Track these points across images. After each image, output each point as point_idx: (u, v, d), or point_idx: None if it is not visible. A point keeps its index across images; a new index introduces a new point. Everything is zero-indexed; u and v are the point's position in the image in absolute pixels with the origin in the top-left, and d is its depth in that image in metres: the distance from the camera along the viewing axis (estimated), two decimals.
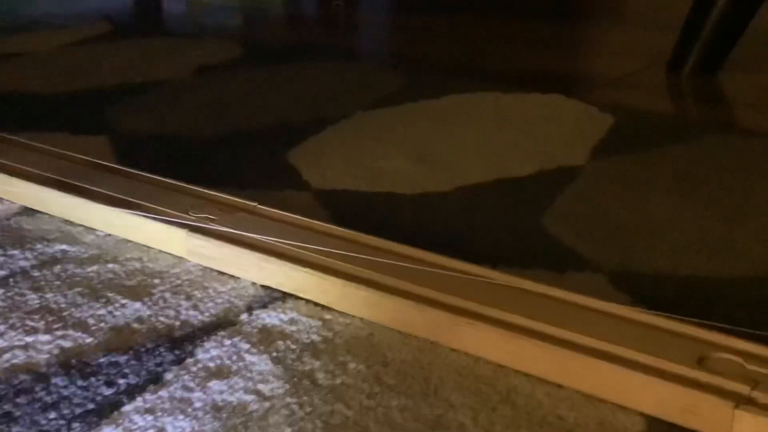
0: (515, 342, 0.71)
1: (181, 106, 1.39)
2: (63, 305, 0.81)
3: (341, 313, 0.79)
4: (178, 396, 0.68)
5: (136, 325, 0.78)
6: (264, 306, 0.81)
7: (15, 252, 0.91)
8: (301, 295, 0.82)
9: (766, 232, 0.94)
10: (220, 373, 0.71)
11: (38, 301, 0.82)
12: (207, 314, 0.80)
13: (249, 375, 0.70)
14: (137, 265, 0.89)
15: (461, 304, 0.75)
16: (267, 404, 0.67)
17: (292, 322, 0.78)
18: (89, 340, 0.76)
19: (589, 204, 1.01)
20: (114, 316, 0.79)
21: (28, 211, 1.01)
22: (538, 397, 0.68)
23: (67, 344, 0.75)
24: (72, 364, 0.72)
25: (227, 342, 0.75)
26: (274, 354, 0.73)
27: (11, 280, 0.86)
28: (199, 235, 0.88)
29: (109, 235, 0.95)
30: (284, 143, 1.20)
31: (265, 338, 0.76)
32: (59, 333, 0.77)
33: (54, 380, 0.70)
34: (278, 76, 1.57)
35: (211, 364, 0.72)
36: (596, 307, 0.74)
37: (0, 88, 1.47)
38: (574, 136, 1.22)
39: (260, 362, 0.72)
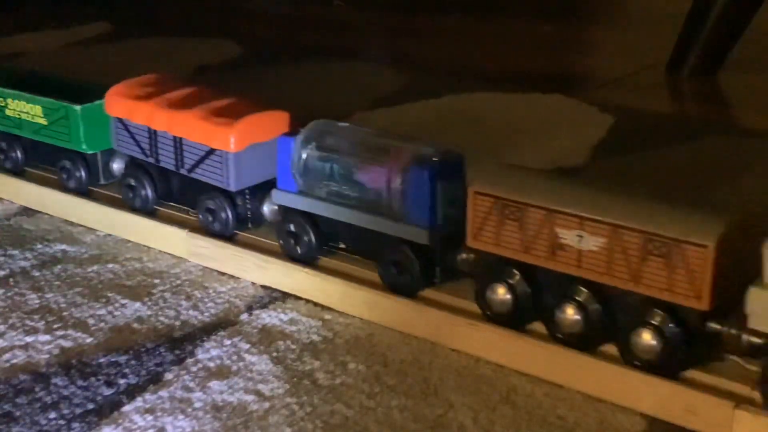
0: (515, 342, 0.71)
1: None
2: (63, 305, 0.81)
3: (341, 313, 0.79)
4: (178, 396, 0.68)
5: (136, 325, 0.78)
6: (264, 306, 0.81)
7: (15, 252, 0.91)
8: (301, 295, 0.82)
9: None
10: (220, 373, 0.71)
11: (38, 301, 0.82)
12: (207, 314, 0.80)
13: (249, 375, 0.70)
14: (137, 265, 0.89)
15: (461, 304, 0.75)
16: (267, 404, 0.67)
17: (292, 322, 0.78)
18: (89, 340, 0.76)
19: None
20: (114, 316, 0.79)
21: (28, 211, 1.01)
22: (538, 397, 0.68)
23: (67, 344, 0.75)
24: (72, 364, 0.72)
25: (227, 342, 0.75)
26: (274, 354, 0.73)
27: (11, 280, 0.86)
28: (199, 236, 0.88)
29: (109, 235, 0.95)
30: None
31: (265, 338, 0.76)
32: (59, 333, 0.77)
33: (54, 380, 0.70)
34: (278, 76, 1.57)
35: (211, 364, 0.72)
36: None
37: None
38: (574, 136, 1.22)
39: (260, 362, 0.72)
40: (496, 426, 0.64)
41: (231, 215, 0.86)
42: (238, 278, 0.85)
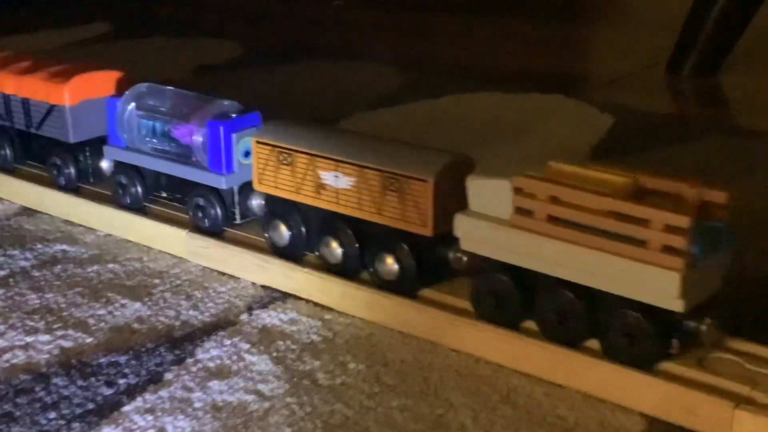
0: (515, 342, 0.71)
1: None
2: (63, 305, 0.81)
3: (341, 313, 0.79)
4: (178, 396, 0.68)
5: (136, 325, 0.78)
6: (264, 306, 0.81)
7: (15, 252, 0.91)
8: (301, 295, 0.82)
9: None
10: (220, 373, 0.71)
11: (38, 301, 0.82)
12: (207, 314, 0.80)
13: (249, 375, 0.71)
14: (137, 265, 0.89)
15: (461, 304, 0.75)
16: (267, 404, 0.67)
17: (292, 322, 0.78)
18: (89, 340, 0.76)
19: None
20: (114, 316, 0.79)
21: (28, 211, 1.01)
22: (538, 397, 0.68)
23: (67, 344, 0.75)
24: (72, 364, 0.72)
25: (227, 342, 0.75)
26: (274, 354, 0.73)
27: (11, 280, 0.86)
28: (199, 236, 0.88)
29: (109, 235, 0.95)
30: None
31: (265, 338, 0.76)
32: (59, 333, 0.77)
33: (54, 380, 0.70)
34: (278, 76, 1.57)
35: (211, 364, 0.72)
36: None
37: None
38: (574, 136, 1.22)
39: (260, 362, 0.72)
40: (496, 426, 0.64)
41: (74, 170, 0.98)
42: (238, 278, 0.85)
